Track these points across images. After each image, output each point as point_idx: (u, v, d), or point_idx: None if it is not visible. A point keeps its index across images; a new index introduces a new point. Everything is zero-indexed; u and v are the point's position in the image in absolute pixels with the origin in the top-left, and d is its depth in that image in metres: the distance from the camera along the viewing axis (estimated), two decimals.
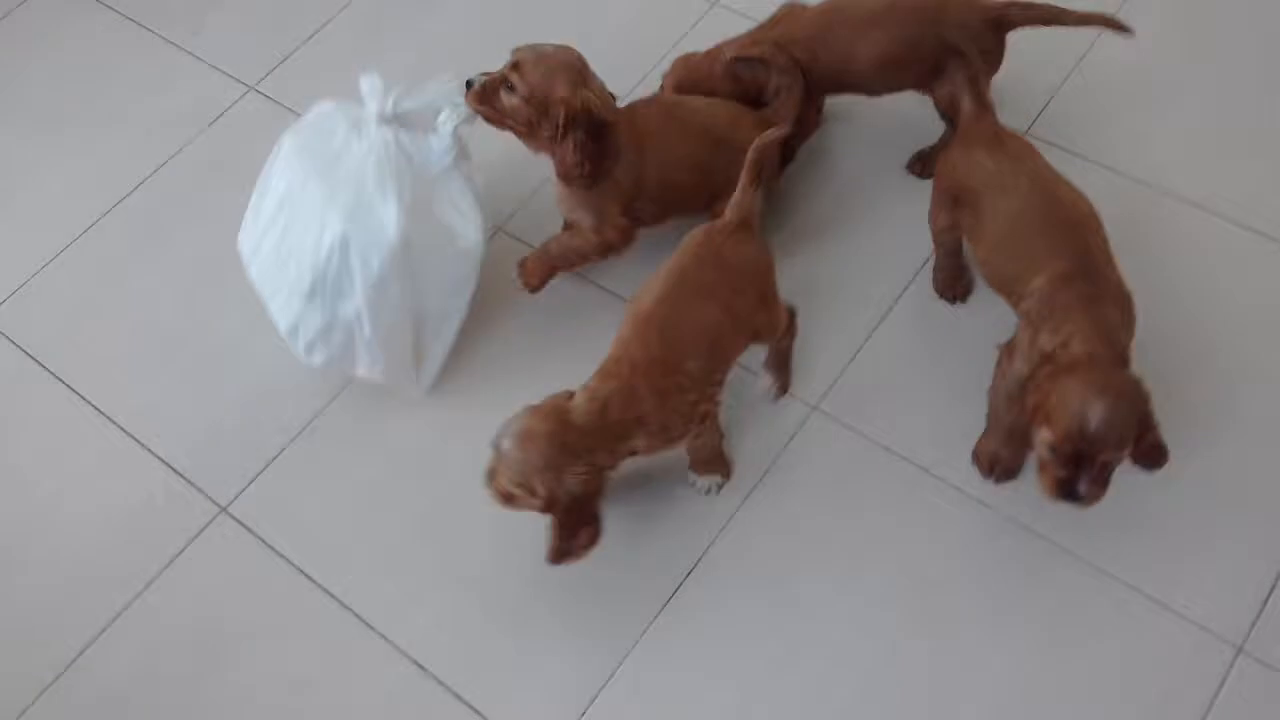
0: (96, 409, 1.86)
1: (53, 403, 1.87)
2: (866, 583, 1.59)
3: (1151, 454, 1.45)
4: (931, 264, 1.81)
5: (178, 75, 2.27)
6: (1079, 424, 1.36)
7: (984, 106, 1.66)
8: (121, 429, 1.84)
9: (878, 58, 1.77)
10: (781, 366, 1.74)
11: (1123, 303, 1.49)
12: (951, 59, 1.75)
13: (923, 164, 1.92)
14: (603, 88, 1.68)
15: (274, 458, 1.77)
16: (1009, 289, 1.57)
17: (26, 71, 2.31)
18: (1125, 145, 1.94)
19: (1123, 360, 1.46)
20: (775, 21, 1.84)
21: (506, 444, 1.45)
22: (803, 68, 1.78)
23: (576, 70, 1.65)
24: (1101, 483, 1.41)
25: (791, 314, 1.70)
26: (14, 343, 1.95)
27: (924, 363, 1.76)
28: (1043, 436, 1.41)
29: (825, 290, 1.84)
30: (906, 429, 1.70)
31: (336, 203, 1.64)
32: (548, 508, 1.46)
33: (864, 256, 1.87)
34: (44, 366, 1.91)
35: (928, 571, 1.59)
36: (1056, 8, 1.75)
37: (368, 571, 1.67)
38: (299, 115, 1.79)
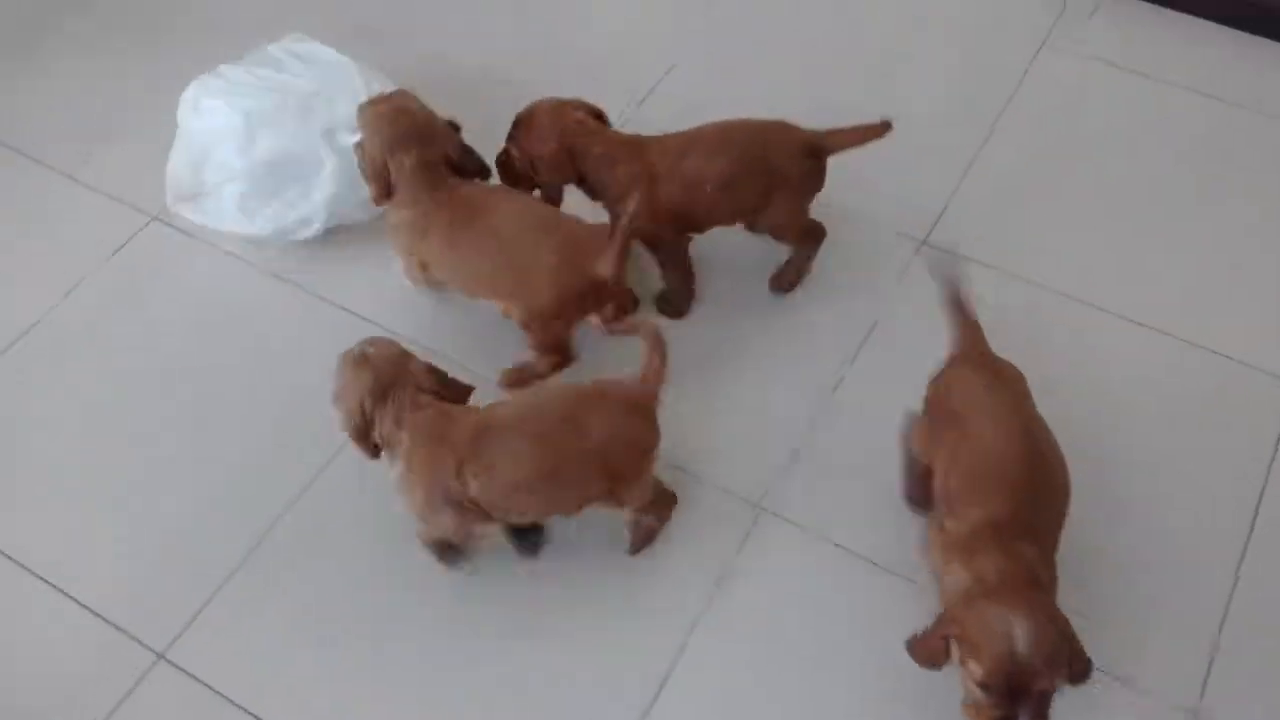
0: (7, 556, 1.76)
1: None
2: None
3: (1080, 670, 1.35)
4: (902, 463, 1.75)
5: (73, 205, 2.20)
6: (1008, 650, 1.27)
7: (973, 327, 1.65)
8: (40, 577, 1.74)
9: (721, 181, 1.84)
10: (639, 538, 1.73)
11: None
12: (778, 188, 1.85)
13: (779, 278, 2.00)
14: (584, 119, 1.86)
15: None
16: (949, 501, 1.52)
17: None
18: (1016, 246, 2.07)
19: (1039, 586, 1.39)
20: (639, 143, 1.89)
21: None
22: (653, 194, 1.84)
23: (549, 127, 1.84)
24: (1043, 716, 1.30)
25: (668, 499, 1.72)
26: None
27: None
28: (971, 672, 1.30)
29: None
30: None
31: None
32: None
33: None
34: None
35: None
36: (862, 129, 1.84)
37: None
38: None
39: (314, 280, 2.05)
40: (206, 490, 1.80)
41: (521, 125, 1.87)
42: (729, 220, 1.92)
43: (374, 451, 1.59)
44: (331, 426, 1.60)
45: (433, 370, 1.62)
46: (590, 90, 1.94)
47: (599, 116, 1.91)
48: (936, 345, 1.67)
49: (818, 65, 2.37)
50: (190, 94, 2.11)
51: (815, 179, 1.89)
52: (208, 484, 1.81)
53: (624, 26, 2.49)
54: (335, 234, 2.09)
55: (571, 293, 1.77)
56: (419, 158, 1.79)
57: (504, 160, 1.91)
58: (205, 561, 1.74)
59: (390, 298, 2.00)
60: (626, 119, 2.21)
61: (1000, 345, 1.64)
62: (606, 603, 1.69)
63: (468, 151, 1.86)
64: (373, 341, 1.61)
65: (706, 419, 1.86)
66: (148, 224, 2.16)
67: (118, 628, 1.68)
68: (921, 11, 2.49)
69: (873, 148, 1.85)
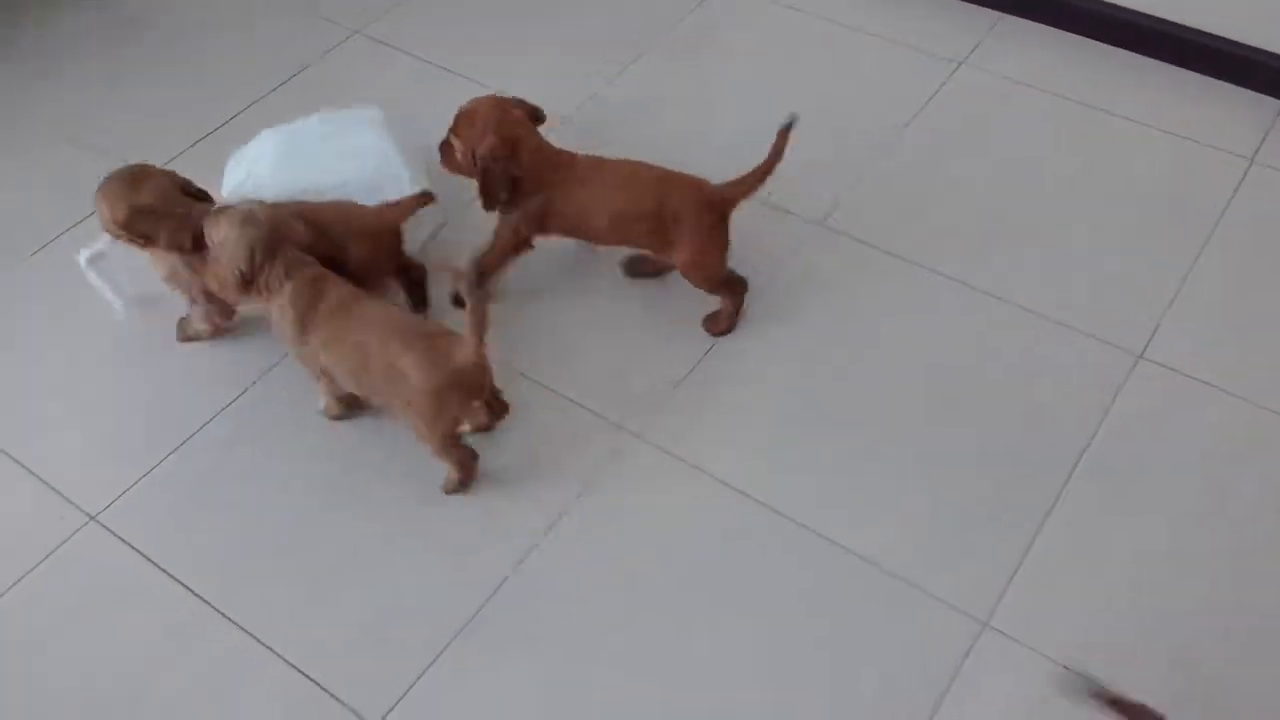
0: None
1: None
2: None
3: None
4: None
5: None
6: None
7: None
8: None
9: (612, 215, 1.96)
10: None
11: None
12: (679, 232, 1.94)
13: (630, 265, 2.13)
14: (522, 119, 1.95)
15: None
16: None
17: None
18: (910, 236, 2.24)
19: None
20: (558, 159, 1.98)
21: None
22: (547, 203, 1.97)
23: (492, 120, 1.92)
24: None
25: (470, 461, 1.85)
26: None
27: None
28: None
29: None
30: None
31: None
32: None
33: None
34: None
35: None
36: (757, 172, 1.92)
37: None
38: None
39: None
40: None
41: (463, 118, 1.96)
42: (618, 245, 2.05)
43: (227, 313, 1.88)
44: None
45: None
46: None
47: (536, 117, 2.00)
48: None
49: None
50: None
51: (717, 233, 1.96)
52: None
53: None
54: None
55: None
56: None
57: (444, 149, 2.00)
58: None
59: None
60: None
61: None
62: (463, 508, 1.87)
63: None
64: (255, 203, 1.82)
65: (583, 340, 2.06)
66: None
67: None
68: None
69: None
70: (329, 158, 2.08)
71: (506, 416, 1.94)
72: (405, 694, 1.66)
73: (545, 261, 2.12)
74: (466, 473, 1.86)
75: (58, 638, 1.74)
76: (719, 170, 1.96)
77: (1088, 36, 2.62)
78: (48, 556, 1.81)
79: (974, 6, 2.70)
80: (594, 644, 1.72)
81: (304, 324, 1.78)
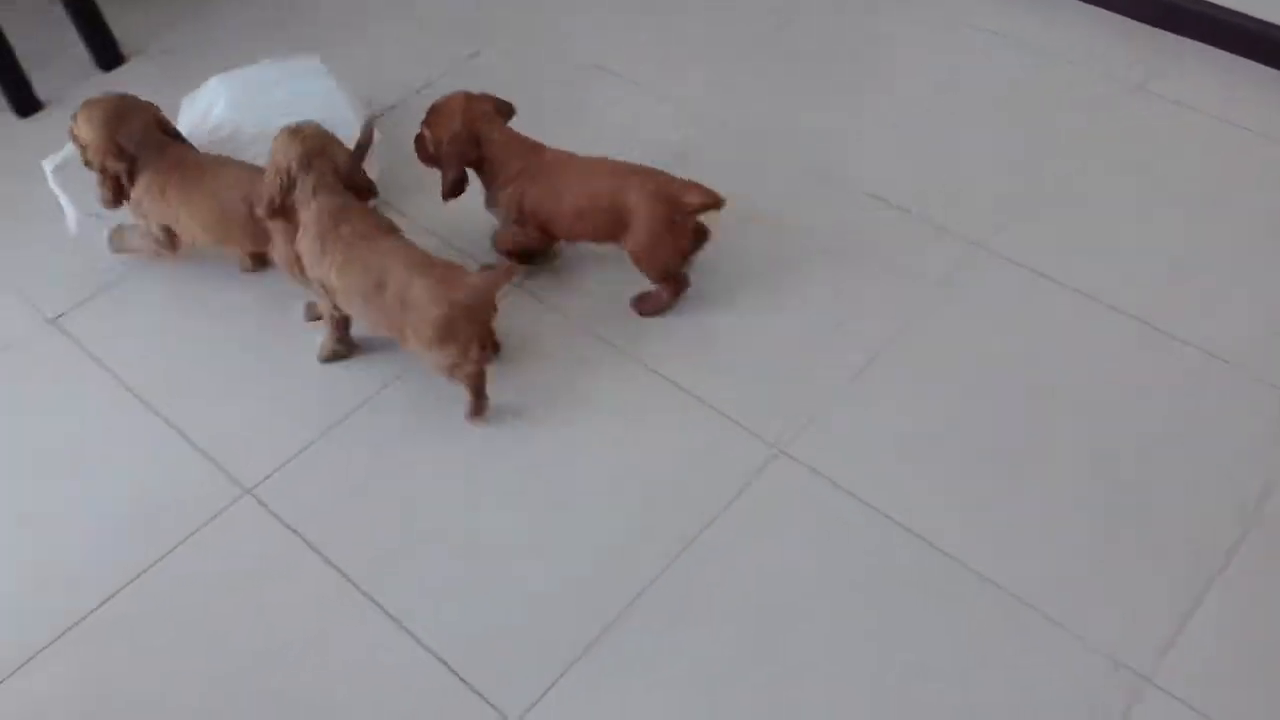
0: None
1: None
2: None
3: None
4: None
5: None
6: None
7: None
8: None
9: (574, 207, 2.01)
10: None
11: None
12: (630, 226, 1.98)
13: (640, 303, 2.11)
14: (489, 112, 2.04)
15: None
16: None
17: None
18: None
19: None
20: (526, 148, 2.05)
21: None
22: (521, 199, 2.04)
23: (459, 111, 2.02)
24: None
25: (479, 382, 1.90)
26: None
27: None
28: None
29: None
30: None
31: None
32: None
33: None
34: None
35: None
36: (709, 192, 1.97)
37: None
38: None
39: None
40: None
41: (435, 111, 2.05)
42: (583, 239, 2.09)
43: (276, 212, 1.89)
44: None
45: (352, 159, 1.92)
46: None
47: (505, 112, 2.08)
48: None
49: None
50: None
51: (669, 227, 1.99)
52: None
53: None
54: None
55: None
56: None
57: (417, 140, 2.09)
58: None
59: None
60: None
61: None
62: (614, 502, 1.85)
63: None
64: (309, 122, 1.91)
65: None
66: None
67: None
68: None
69: None
70: (280, 101, 2.17)
71: (495, 354, 2.01)
72: (546, 692, 1.64)
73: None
74: (477, 396, 1.91)
75: (206, 609, 1.76)
76: None
77: None
78: (202, 526, 1.84)
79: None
80: (732, 659, 1.68)
81: (323, 244, 1.86)
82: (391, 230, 1.91)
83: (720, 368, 2.03)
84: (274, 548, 1.82)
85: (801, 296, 2.13)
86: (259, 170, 1.97)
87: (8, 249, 2.28)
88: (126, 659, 1.71)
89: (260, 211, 1.91)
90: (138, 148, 2.01)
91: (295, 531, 1.83)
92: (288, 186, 1.87)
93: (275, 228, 1.96)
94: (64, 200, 2.16)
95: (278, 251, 2.01)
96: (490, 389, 1.94)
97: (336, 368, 2.05)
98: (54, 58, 2.70)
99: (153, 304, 2.18)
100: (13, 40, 2.55)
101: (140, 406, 2.01)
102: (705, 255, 2.09)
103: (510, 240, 2.11)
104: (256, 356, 2.08)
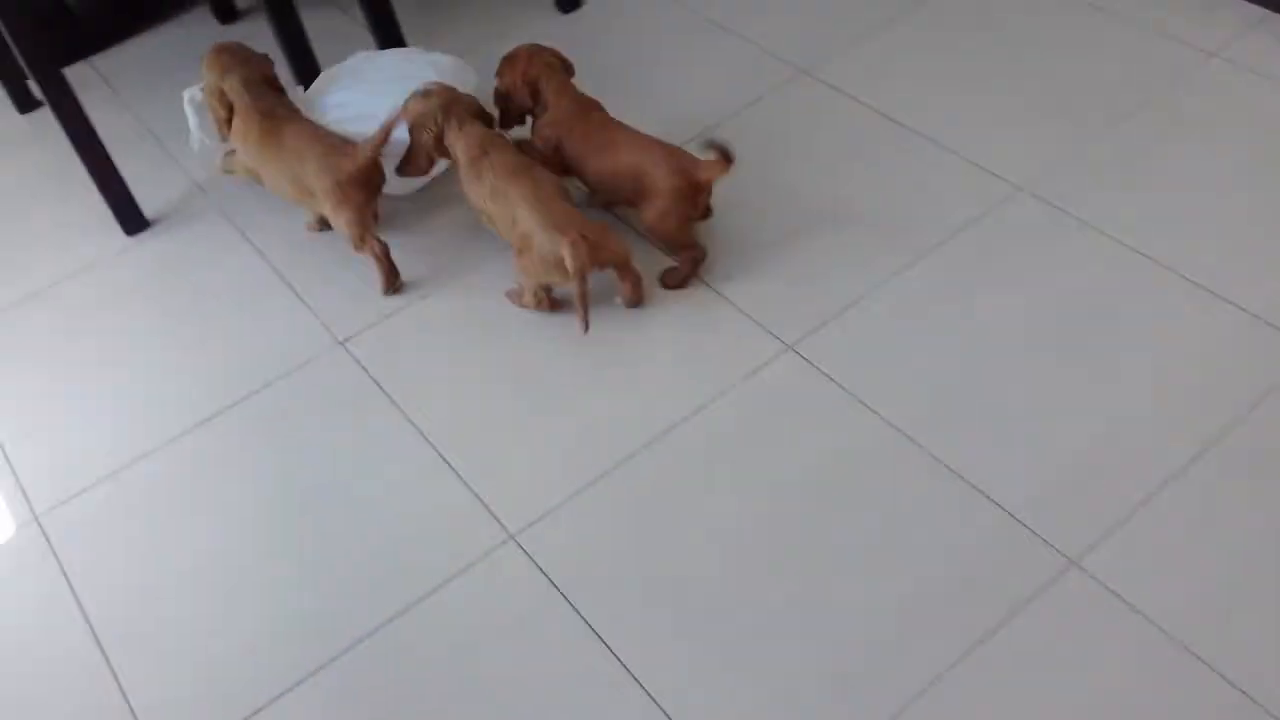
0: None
1: None
2: None
3: None
4: None
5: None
6: None
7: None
8: None
9: (599, 170, 2.19)
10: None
11: None
12: (648, 197, 2.11)
13: (666, 277, 2.18)
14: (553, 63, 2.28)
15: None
16: None
17: None
18: None
19: None
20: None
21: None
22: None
23: (522, 59, 2.28)
24: None
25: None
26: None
27: None
28: None
29: None
30: None
31: None
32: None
33: None
34: None
35: None
36: (723, 161, 2.06)
37: None
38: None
39: None
40: None
41: (505, 61, 2.29)
42: (607, 197, 2.26)
43: (429, 164, 2.23)
44: None
45: (474, 103, 2.22)
46: None
47: (568, 69, 2.29)
48: None
49: None
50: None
51: (685, 199, 2.11)
52: None
53: None
54: None
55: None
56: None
57: (496, 90, 2.32)
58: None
59: None
60: None
61: None
62: None
63: None
64: (434, 82, 2.22)
65: None
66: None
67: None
68: None
69: None
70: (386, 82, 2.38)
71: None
72: None
73: None
74: (582, 303, 2.01)
75: (459, 658, 1.71)
76: None
77: None
78: (463, 571, 1.81)
79: None
80: None
81: (475, 169, 2.14)
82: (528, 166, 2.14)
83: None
84: (531, 598, 1.77)
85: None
86: (337, 141, 2.23)
87: (308, 268, 2.35)
88: (376, 706, 1.69)
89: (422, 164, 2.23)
90: (237, 96, 2.28)
91: (554, 584, 1.78)
92: (437, 134, 2.17)
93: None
94: (192, 123, 2.44)
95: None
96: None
97: (615, 409, 2.00)
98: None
99: (440, 330, 2.19)
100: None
101: (416, 436, 2.02)
102: None
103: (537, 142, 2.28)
104: (536, 392, 2.04)
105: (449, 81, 2.29)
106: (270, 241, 2.42)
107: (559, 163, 2.24)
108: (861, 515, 1.80)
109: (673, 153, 2.14)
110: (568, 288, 2.05)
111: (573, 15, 2.88)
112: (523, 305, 2.16)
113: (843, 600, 1.70)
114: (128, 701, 1.74)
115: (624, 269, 2.10)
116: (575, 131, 2.21)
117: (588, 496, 1.88)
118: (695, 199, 2.14)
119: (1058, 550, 1.71)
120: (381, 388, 2.10)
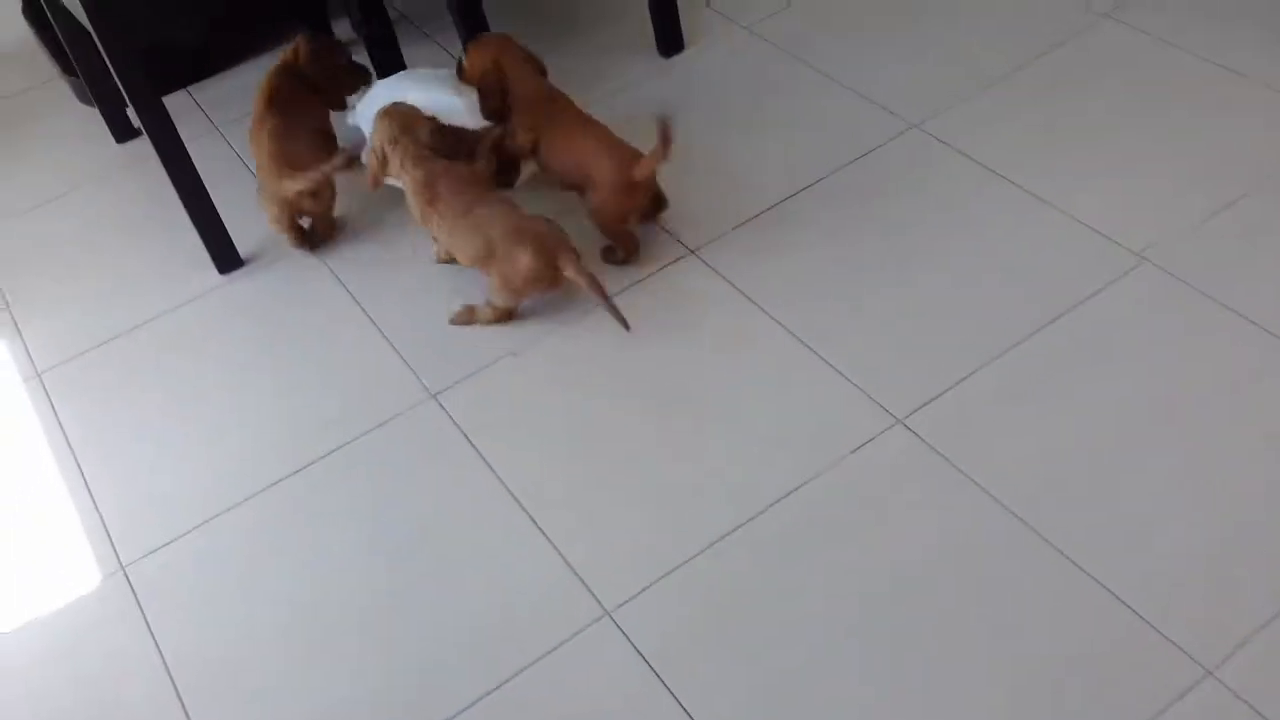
0: None
1: None
2: None
3: None
4: None
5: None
6: None
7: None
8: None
9: (563, 162, 2.29)
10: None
11: None
12: (593, 188, 2.23)
13: (605, 254, 2.30)
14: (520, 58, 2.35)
15: None
16: None
17: None
18: None
19: None
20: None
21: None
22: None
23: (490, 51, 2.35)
24: None
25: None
26: None
27: None
28: None
29: None
30: None
31: None
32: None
33: None
34: None
35: None
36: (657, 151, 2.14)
37: None
38: None
39: None
40: None
41: (475, 43, 2.36)
42: (563, 181, 2.32)
43: (375, 184, 2.28)
44: None
45: (436, 131, 2.23)
46: None
47: (538, 67, 2.36)
48: None
49: None
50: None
51: (623, 193, 2.21)
52: None
53: None
54: None
55: None
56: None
57: (460, 67, 2.39)
58: None
59: None
60: None
61: None
62: None
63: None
64: (399, 104, 2.25)
65: None
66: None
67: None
68: None
69: None
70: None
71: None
72: None
73: None
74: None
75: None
76: None
77: None
78: (557, 647, 1.75)
79: None
80: None
81: (425, 215, 2.22)
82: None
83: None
84: (627, 680, 1.69)
85: None
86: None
87: (401, 316, 2.31)
88: None
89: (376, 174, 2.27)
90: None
91: (650, 666, 1.71)
92: (383, 160, 2.22)
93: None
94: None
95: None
96: None
97: (715, 480, 1.92)
98: None
99: (533, 387, 2.13)
100: None
101: (507, 498, 1.95)
102: None
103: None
104: (631, 457, 1.98)
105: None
106: (363, 286, 2.38)
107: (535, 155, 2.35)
108: (977, 605, 1.70)
109: (617, 149, 2.23)
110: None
111: (675, 59, 2.82)
112: (480, 322, 2.22)
113: (956, 691, 1.61)
114: None
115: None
116: (548, 126, 2.29)
117: (686, 572, 1.81)
118: (634, 193, 2.22)
119: (1190, 657, 1.60)
120: (473, 444, 2.05)
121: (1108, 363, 1.99)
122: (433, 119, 2.27)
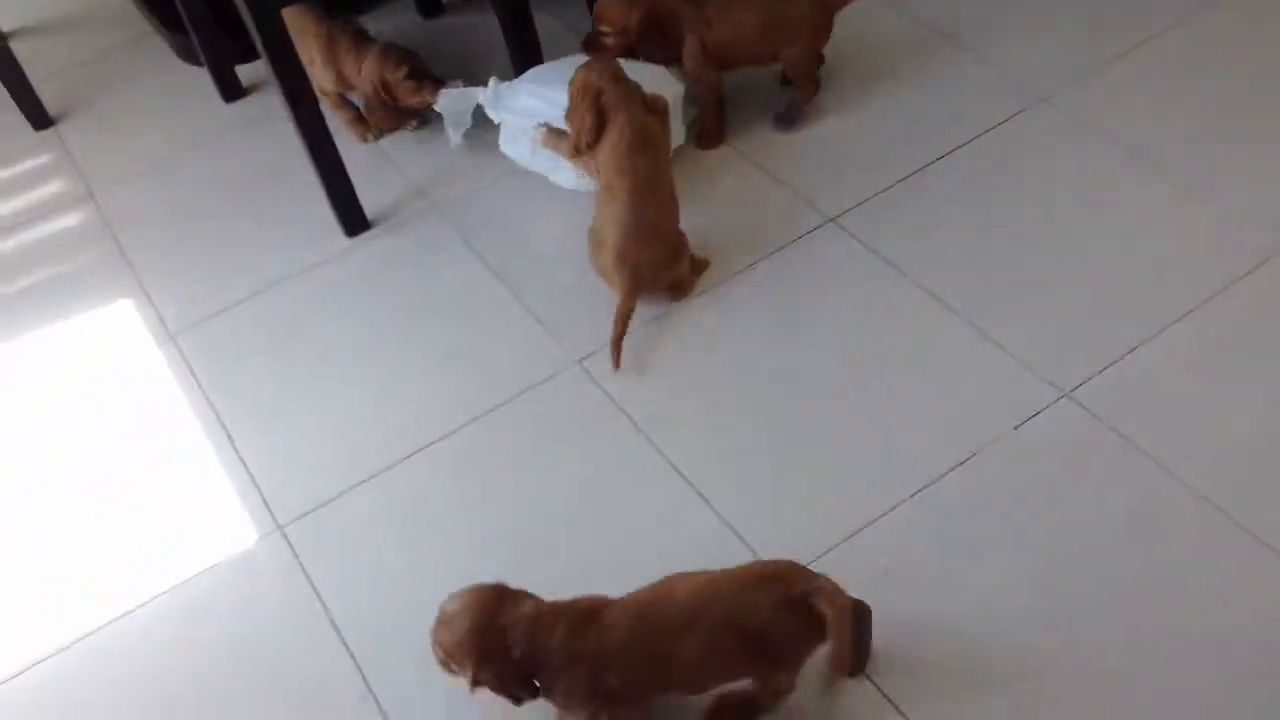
0: None
1: None
2: None
3: None
4: None
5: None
6: None
7: None
8: None
9: (754, 27, 2.39)
10: None
11: None
12: (793, 40, 2.40)
13: (781, 117, 2.48)
14: None
15: None
16: None
17: None
18: None
19: None
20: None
21: None
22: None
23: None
24: None
25: None
26: None
27: None
28: None
29: None
30: None
31: None
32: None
33: None
34: None
35: None
36: None
37: None
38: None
39: None
40: None
41: (606, 7, 2.37)
42: (758, 61, 2.43)
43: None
44: None
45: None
46: None
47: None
48: None
49: None
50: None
51: (823, 32, 2.41)
52: None
53: None
54: None
55: None
56: None
57: (593, 42, 2.41)
58: None
59: None
60: None
61: None
62: None
63: None
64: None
65: None
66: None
67: None
68: None
69: None
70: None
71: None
72: None
73: None
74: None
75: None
76: None
77: None
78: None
79: None
80: None
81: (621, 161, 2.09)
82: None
83: None
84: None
85: None
86: None
87: (534, 279, 2.30)
88: None
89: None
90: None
91: None
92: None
93: None
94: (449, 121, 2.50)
95: None
96: None
97: (878, 454, 1.91)
98: None
99: (685, 354, 2.12)
100: None
101: (670, 472, 1.94)
102: None
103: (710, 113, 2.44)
104: (784, 426, 1.97)
105: (656, 87, 2.28)
106: (493, 249, 2.37)
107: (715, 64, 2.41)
108: (1167, 593, 1.69)
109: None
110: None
111: None
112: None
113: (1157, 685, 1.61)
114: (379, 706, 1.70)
115: (678, 288, 2.16)
116: (710, 21, 2.36)
117: (857, 542, 1.80)
118: (828, 31, 2.42)
119: None
120: (624, 411, 2.04)
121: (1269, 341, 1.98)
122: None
